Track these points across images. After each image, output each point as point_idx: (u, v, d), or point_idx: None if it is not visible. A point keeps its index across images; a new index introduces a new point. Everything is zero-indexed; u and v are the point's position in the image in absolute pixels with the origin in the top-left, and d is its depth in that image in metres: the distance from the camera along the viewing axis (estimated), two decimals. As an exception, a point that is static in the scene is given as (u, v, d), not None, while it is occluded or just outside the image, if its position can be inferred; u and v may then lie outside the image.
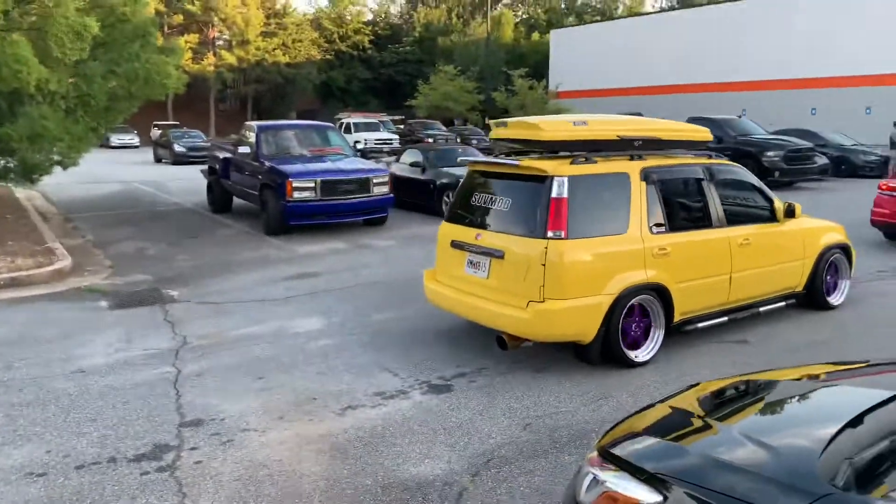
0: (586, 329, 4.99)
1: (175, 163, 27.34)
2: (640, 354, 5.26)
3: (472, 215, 5.58)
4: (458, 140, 31.61)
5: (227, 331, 6.12)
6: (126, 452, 3.87)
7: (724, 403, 2.62)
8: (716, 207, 5.76)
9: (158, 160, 29.51)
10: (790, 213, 6.30)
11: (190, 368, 5.18)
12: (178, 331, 6.11)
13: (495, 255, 5.17)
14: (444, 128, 35.59)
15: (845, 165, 19.72)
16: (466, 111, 43.95)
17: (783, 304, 6.37)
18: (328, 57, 54.86)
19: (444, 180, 12.66)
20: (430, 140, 28.57)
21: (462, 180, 5.92)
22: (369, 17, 60.40)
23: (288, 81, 50.09)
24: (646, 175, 5.35)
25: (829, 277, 6.73)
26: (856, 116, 31.87)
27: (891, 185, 9.85)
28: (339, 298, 7.21)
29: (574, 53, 49.30)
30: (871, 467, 1.83)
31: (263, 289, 7.64)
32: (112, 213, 13.58)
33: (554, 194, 4.92)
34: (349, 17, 56.66)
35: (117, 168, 24.55)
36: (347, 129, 30.47)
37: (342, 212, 10.97)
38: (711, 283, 5.64)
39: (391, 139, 29.92)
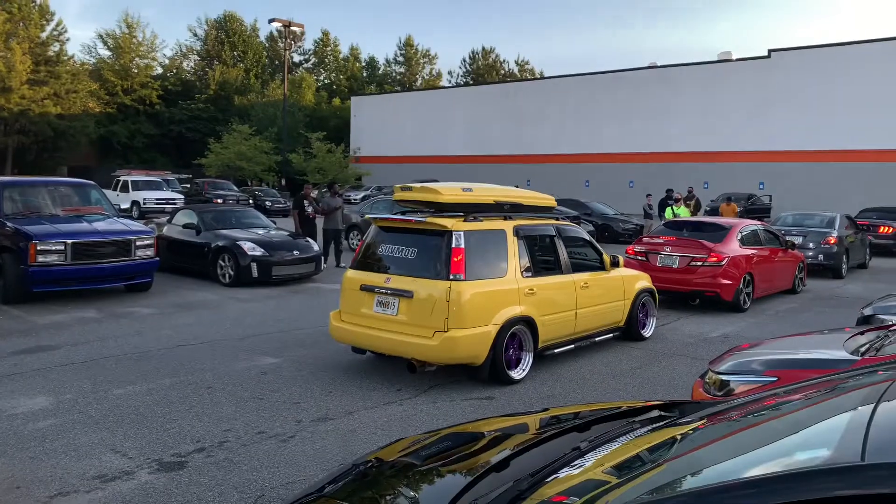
0: (479, 352, 6.20)
1: None
2: (517, 374, 6.52)
3: (378, 262, 6.64)
4: (251, 201, 30.92)
5: (-80, 417, 5.25)
6: None
7: (424, 457, 2.72)
8: (564, 257, 7.31)
9: None
10: (615, 263, 8.04)
11: None
12: None
13: (405, 294, 6.22)
14: (236, 188, 34.58)
15: (608, 232, 22.40)
16: (261, 172, 43.17)
17: (611, 335, 8.00)
18: (109, 110, 50.97)
19: (221, 243, 12.24)
20: (220, 201, 27.64)
21: (368, 233, 6.92)
22: (159, 70, 57.47)
23: (59, 134, 45.36)
24: (516, 231, 6.74)
25: (641, 315, 8.49)
26: (622, 188, 36.54)
27: (635, 249, 11.33)
28: (76, 374, 6.54)
29: (374, 120, 51.07)
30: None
31: (-17, 365, 6.70)
32: None
33: (454, 245, 6.15)
34: (136, 70, 53.42)
35: None
36: (125, 188, 28.45)
37: (98, 277, 10.04)
38: (564, 316, 7.10)
39: (175, 199, 28.39)
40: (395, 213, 7.34)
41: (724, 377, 4.50)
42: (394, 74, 71.40)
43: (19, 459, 4.53)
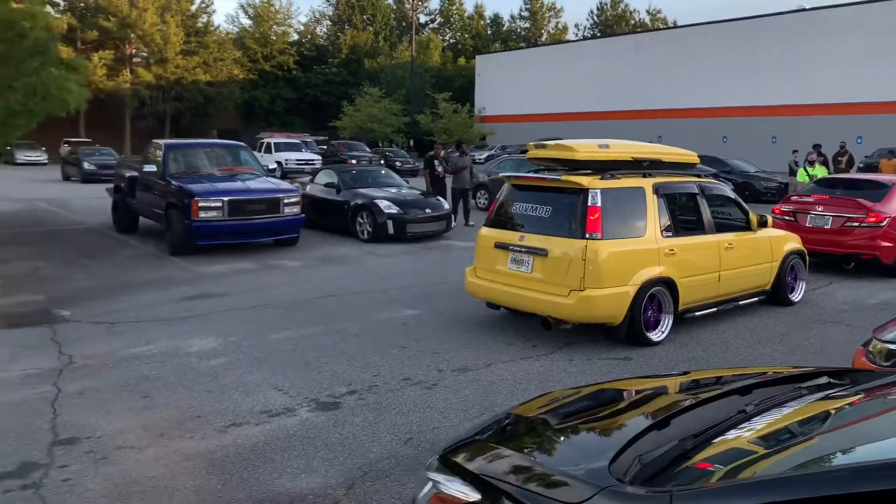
0: (617, 312, 6.11)
1: (84, 181, 26.29)
2: (656, 336, 6.41)
3: (512, 220, 6.71)
4: (382, 162, 31.88)
5: (116, 350, 6.01)
6: (-9, 474, 3.78)
7: (569, 413, 2.79)
8: (707, 217, 7.01)
9: (67, 178, 28.30)
10: (762, 223, 7.60)
11: (71, 388, 5.08)
12: (65, 350, 5.96)
13: (539, 252, 6.25)
14: (368, 149, 35.73)
15: (749, 191, 21.04)
16: (391, 133, 44.24)
17: (756, 299, 7.63)
18: (251, 76, 54.15)
19: (359, 201, 12.77)
20: (354, 161, 28.73)
21: (501, 192, 6.95)
22: (294, 37, 60.07)
23: (208, 100, 49.04)
24: (656, 189, 6.51)
25: (789, 278, 8.05)
26: (763, 144, 34.04)
27: (782, 209, 10.64)
28: (238, 318, 7.18)
29: (498, 79, 50.59)
30: (657, 464, 2.05)
31: (161, 309, 7.52)
32: (8, 231, 12.98)
33: (590, 203, 6.06)
34: (274, 38, 56.18)
35: (21, 185, 23.44)
36: (269, 149, 30.19)
37: (251, 232, 10.88)
38: (706, 278, 6.86)
39: (313, 159, 29.83)
40: (528, 172, 7.34)
41: (892, 346, 4.19)
42: (518, 31, 70.13)
43: (197, 392, 5.09)
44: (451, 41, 69.79)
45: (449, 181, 15.19)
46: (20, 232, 12.97)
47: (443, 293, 8.40)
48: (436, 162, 15.32)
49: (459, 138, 37.30)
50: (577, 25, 70.20)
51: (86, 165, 27.04)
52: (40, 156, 37.41)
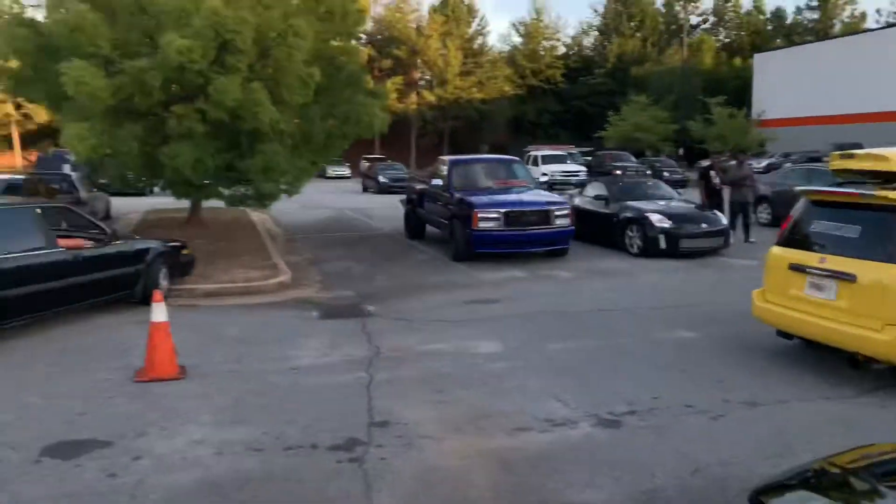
0: None
1: (379, 192, 29.89)
2: None
3: (810, 240, 6.11)
4: (649, 172, 30.90)
5: (413, 346, 6.74)
6: (324, 441, 4.50)
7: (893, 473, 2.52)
8: None
9: (365, 190, 32.60)
10: None
11: (381, 376, 5.81)
12: (373, 342, 6.84)
13: (845, 278, 5.54)
14: (634, 159, 34.91)
15: None
16: (658, 141, 42.64)
17: None
18: (520, 92, 56.39)
19: (629, 214, 12.58)
20: (619, 172, 28.29)
21: (797, 207, 6.39)
22: (562, 50, 61.16)
23: (482, 117, 52.46)
24: None
25: None
26: None
27: None
28: (515, 325, 7.57)
29: (780, 78, 45.82)
30: None
31: (448, 310, 8.25)
32: (325, 235, 15.33)
33: None
34: (542, 52, 57.84)
35: (331, 196, 27.21)
36: (535, 162, 31.08)
37: (524, 242, 11.39)
38: None
39: (578, 171, 30.01)
40: (832, 186, 6.59)
41: None
42: (805, 23, 62.74)
43: (484, 393, 5.48)
44: (726, 41, 65.11)
45: (726, 193, 14.23)
46: (334, 236, 15.23)
47: (723, 316, 7.90)
48: (712, 173, 14.46)
49: (737, 146, 34.71)
50: (878, 11, 60.82)
51: (381, 179, 30.89)
52: (345, 171, 43.56)
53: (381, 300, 8.78)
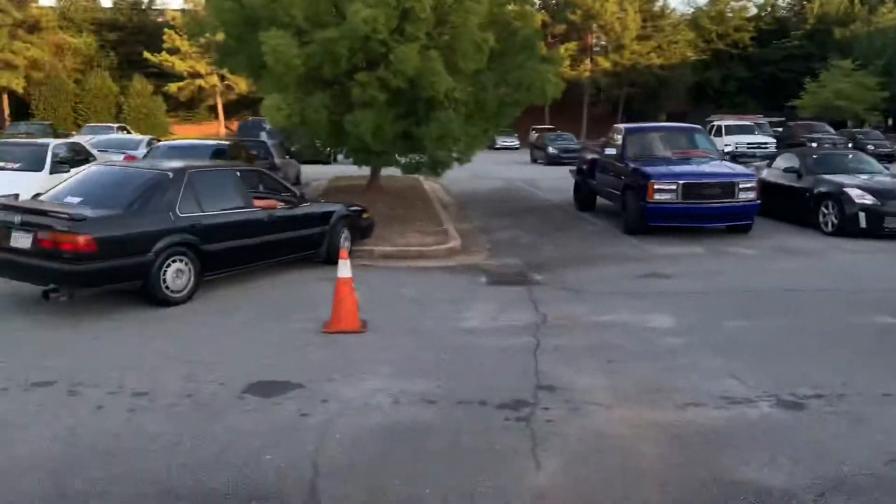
0: None
1: (548, 163, 29.61)
2: None
3: None
4: (850, 145, 27.68)
5: (581, 315, 6.70)
6: (493, 400, 4.64)
7: None
8: None
9: (534, 161, 32.44)
10: None
11: (547, 342, 5.86)
12: (540, 309, 6.88)
13: None
14: (832, 130, 31.46)
15: None
16: (864, 111, 37.95)
17: None
18: (703, 56, 52.72)
19: (823, 189, 11.45)
20: (814, 144, 25.63)
21: None
22: (753, 11, 56.11)
23: (661, 83, 49.77)
24: None
25: None
26: None
27: None
28: (690, 301, 7.24)
29: None
30: None
31: (619, 283, 8.07)
32: (493, 204, 15.55)
33: None
34: (731, 14, 53.48)
35: (499, 167, 27.42)
36: (718, 132, 29.12)
37: (703, 216, 10.78)
38: None
39: (766, 143, 27.66)
40: None
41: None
42: None
43: (656, 367, 5.32)
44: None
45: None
46: (502, 206, 15.38)
47: (938, 304, 6.99)
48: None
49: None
50: None
51: (550, 149, 30.52)
52: (513, 141, 43.49)
53: (548, 270, 8.78)
